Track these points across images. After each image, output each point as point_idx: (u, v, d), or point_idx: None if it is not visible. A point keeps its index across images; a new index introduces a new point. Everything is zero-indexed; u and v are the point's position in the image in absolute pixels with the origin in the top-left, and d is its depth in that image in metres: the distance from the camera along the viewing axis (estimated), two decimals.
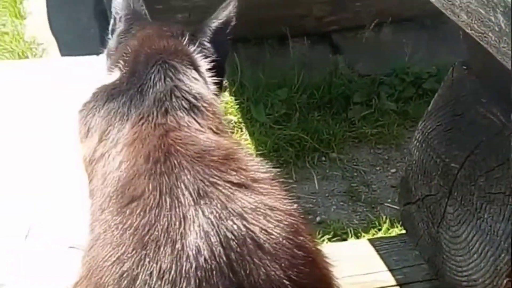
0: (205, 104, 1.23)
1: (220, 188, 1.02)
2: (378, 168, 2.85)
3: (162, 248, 0.94)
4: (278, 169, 2.63)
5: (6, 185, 1.67)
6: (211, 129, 1.19)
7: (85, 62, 2.26)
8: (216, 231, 0.96)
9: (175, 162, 1.05)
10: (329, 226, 2.53)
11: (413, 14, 3.56)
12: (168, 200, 0.99)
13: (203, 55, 1.39)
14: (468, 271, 1.49)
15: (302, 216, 1.11)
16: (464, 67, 1.57)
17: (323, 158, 2.86)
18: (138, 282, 0.92)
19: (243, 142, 2.84)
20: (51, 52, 3.29)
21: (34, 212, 1.59)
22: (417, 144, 1.66)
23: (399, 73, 3.18)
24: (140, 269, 0.93)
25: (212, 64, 1.38)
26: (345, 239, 2.47)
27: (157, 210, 0.98)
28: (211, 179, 1.03)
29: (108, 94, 1.25)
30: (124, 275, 0.93)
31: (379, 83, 3.17)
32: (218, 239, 0.96)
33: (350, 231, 2.50)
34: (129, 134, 1.14)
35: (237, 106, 2.98)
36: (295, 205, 1.11)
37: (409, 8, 3.51)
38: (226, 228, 0.97)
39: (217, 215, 0.98)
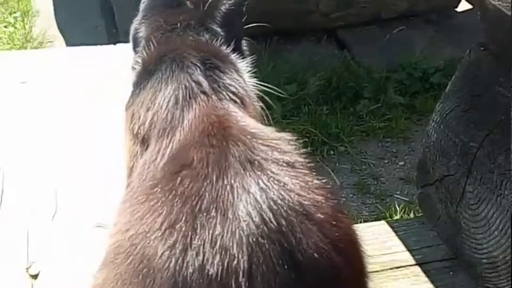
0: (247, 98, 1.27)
1: (270, 162, 1.02)
2: (386, 161, 2.86)
3: (213, 217, 0.93)
4: None
5: (32, 165, 1.66)
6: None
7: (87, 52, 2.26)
8: (266, 197, 0.95)
9: (227, 136, 1.06)
10: None
11: (420, 9, 3.58)
12: (216, 169, 0.99)
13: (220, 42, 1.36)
14: (488, 248, 1.50)
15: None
16: (482, 48, 1.57)
17: (332, 152, 2.87)
18: (190, 251, 0.91)
19: None
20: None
21: (62, 191, 1.58)
22: (435, 125, 1.66)
23: (406, 68, 3.20)
24: (193, 237, 0.92)
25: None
26: None
27: (206, 179, 0.98)
28: (262, 154, 1.03)
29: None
30: (177, 244, 0.92)
31: (387, 78, 3.18)
32: (267, 205, 0.94)
33: (360, 222, 2.49)
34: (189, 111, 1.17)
35: None
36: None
37: (415, 3, 3.53)
38: (276, 195, 0.96)
39: (266, 183, 0.97)
